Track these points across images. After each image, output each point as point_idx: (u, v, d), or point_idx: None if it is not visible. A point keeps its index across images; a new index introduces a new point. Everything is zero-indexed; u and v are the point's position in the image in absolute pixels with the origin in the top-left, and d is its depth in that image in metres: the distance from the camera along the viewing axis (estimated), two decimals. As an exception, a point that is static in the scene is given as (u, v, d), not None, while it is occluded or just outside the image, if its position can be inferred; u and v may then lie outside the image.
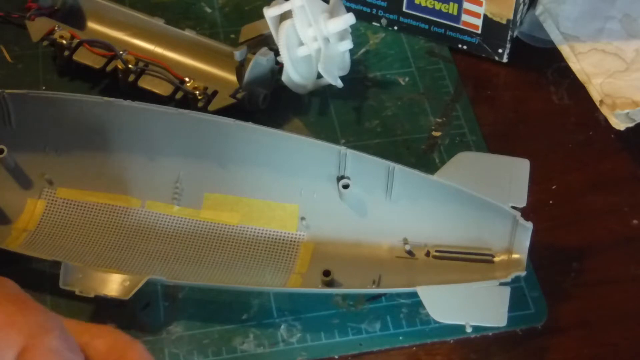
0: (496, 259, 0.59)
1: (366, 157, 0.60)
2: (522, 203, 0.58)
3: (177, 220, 0.63)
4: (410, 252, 0.61)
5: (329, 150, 0.61)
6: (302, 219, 0.62)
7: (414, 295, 0.60)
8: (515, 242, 0.58)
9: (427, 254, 0.60)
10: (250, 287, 0.59)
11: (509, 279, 0.56)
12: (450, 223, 0.60)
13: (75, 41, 0.69)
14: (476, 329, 0.58)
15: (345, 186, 0.61)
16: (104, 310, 0.59)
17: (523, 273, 0.57)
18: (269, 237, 0.62)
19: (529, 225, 0.57)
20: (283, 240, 0.62)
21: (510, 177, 0.59)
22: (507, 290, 0.56)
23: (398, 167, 0.60)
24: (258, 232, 0.62)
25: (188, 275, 0.60)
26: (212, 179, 0.63)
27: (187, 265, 0.61)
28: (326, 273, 0.59)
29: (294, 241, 0.62)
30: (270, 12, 0.67)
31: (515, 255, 0.58)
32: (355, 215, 0.62)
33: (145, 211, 0.63)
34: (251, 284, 0.60)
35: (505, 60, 0.74)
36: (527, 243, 0.58)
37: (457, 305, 0.56)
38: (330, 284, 0.59)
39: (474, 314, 0.56)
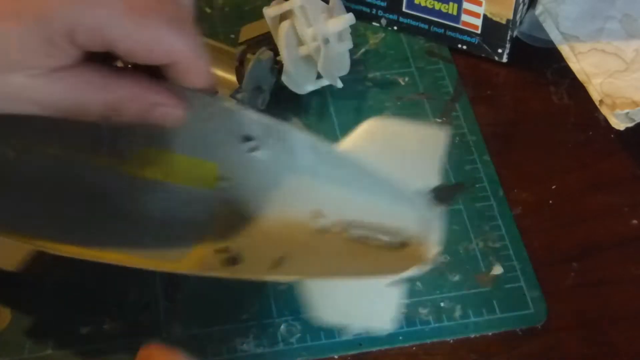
0: (407, 246, 0.53)
1: (275, 122, 0.56)
2: (434, 181, 0.53)
3: (96, 171, 0.58)
4: (322, 230, 0.55)
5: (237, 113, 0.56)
6: (221, 179, 0.58)
7: (414, 294, 0.60)
8: (426, 228, 0.52)
9: (337, 234, 0.55)
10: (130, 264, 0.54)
11: (415, 271, 0.51)
12: (360, 202, 0.55)
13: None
14: (476, 328, 0.58)
15: (254, 149, 0.57)
16: (103, 310, 0.59)
17: (430, 265, 0.51)
18: (182, 198, 0.58)
19: (439, 209, 0.52)
20: (196, 202, 0.58)
21: (425, 149, 0.54)
22: (397, 292, 0.51)
23: (304, 135, 0.55)
24: (174, 191, 0.58)
25: (90, 237, 0.55)
26: (135, 130, 0.58)
27: (96, 224, 0.56)
28: (227, 250, 0.55)
29: (207, 205, 0.58)
30: (270, 12, 0.67)
31: (425, 244, 0.52)
32: (265, 184, 0.57)
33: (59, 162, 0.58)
34: (146, 256, 0.55)
35: (505, 60, 0.74)
36: (438, 229, 0.52)
37: (344, 303, 0.52)
38: (232, 260, 0.55)
39: (360, 315, 0.52)
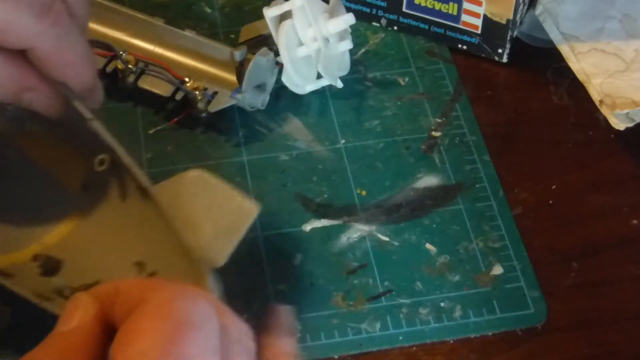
0: None
1: (116, 145, 0.52)
2: (220, 261, 0.49)
3: None
4: (138, 267, 0.53)
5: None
6: (86, 187, 0.57)
7: (414, 295, 0.60)
8: None
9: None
10: None
11: None
12: (161, 255, 0.52)
13: (75, 41, 0.69)
14: (476, 328, 0.58)
15: (102, 164, 0.54)
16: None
17: None
18: (46, 192, 0.57)
19: (220, 288, 0.48)
20: (54, 201, 0.57)
21: (231, 223, 0.50)
22: None
23: (129, 160, 0.51)
24: (43, 181, 0.57)
25: None
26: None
27: None
28: (44, 259, 0.53)
29: (61, 209, 0.56)
30: (270, 12, 0.67)
31: None
32: (105, 203, 0.56)
33: None
34: None
35: (505, 60, 0.74)
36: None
37: None
38: (45, 272, 0.52)
39: None
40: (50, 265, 0.54)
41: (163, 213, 0.50)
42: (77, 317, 0.40)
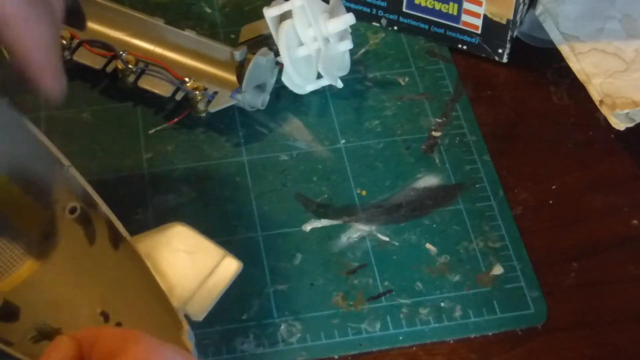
0: None
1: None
2: (199, 316, 0.50)
3: None
4: (100, 317, 0.53)
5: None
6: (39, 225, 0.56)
7: (414, 295, 0.60)
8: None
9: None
10: None
11: None
12: (133, 305, 0.52)
13: (75, 41, 0.69)
14: (476, 328, 0.58)
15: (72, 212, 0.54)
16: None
17: None
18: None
19: (191, 347, 0.49)
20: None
21: (213, 278, 0.51)
22: None
23: (104, 210, 0.52)
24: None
25: None
26: None
27: None
28: (7, 316, 0.52)
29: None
30: (270, 12, 0.67)
31: None
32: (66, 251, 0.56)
33: None
34: None
35: (505, 60, 0.74)
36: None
37: None
38: (4, 317, 0.53)
39: None
40: (8, 311, 0.53)
41: (140, 264, 0.50)
42: (55, 358, 0.42)
